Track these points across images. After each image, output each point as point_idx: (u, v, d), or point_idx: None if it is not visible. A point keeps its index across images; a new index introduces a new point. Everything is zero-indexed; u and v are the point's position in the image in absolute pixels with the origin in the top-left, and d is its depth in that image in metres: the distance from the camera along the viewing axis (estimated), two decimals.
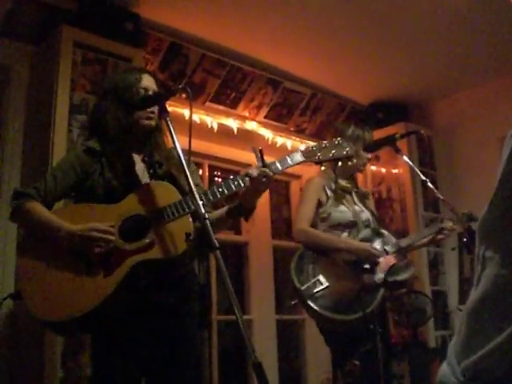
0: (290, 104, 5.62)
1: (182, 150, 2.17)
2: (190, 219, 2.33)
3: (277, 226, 5.87)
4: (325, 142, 2.51)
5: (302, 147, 2.48)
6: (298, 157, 2.46)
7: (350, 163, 3.30)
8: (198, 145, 4.43)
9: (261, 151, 2.41)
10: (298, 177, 6.08)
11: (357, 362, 3.16)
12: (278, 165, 2.43)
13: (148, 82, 2.57)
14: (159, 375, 2.40)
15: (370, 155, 3.56)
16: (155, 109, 2.51)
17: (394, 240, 3.37)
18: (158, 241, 2.27)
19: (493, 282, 0.86)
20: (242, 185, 2.42)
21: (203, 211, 2.00)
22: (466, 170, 5.75)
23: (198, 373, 2.53)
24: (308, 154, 2.46)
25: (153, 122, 2.54)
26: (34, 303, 2.26)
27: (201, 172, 5.38)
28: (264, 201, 5.65)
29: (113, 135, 2.47)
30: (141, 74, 2.59)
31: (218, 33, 4.73)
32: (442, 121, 6.11)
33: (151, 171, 2.55)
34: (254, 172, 2.36)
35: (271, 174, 2.37)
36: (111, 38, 4.03)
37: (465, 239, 3.35)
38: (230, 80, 5.10)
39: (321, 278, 3.16)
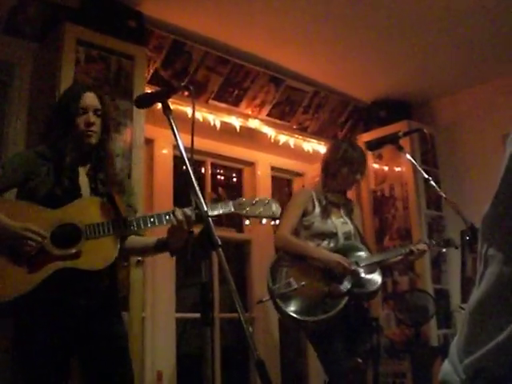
0: (293, 102, 5.61)
1: (185, 148, 2.17)
2: (116, 243, 2.54)
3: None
4: (256, 198, 2.71)
5: (237, 200, 2.66)
6: (230, 207, 2.63)
7: (340, 181, 3.70)
8: (201, 143, 4.44)
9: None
10: (300, 174, 6.09)
11: (360, 360, 3.25)
12: (209, 211, 2.45)
13: (88, 101, 2.66)
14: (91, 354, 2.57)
15: (357, 176, 3.71)
16: (96, 127, 2.65)
17: (367, 254, 3.59)
18: (85, 252, 2.45)
19: (495, 280, 0.86)
20: (171, 221, 2.54)
21: (205, 209, 2.00)
22: (468, 168, 5.74)
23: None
24: (237, 207, 2.64)
25: (92, 140, 2.65)
26: None
27: (203, 170, 5.39)
28: None
29: (58, 149, 2.60)
30: (81, 93, 2.68)
31: (221, 30, 4.73)
32: (444, 119, 6.09)
33: (93, 186, 2.67)
34: (186, 213, 2.50)
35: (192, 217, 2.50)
36: (114, 36, 4.03)
37: (467, 238, 3.35)
38: (232, 78, 5.09)
39: (291, 280, 3.42)
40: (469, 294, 0.93)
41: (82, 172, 2.68)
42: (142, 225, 2.54)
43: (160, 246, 2.67)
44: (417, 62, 5.27)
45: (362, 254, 3.59)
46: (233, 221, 5.49)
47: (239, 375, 5.23)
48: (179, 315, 4.81)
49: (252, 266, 5.46)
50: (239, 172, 5.82)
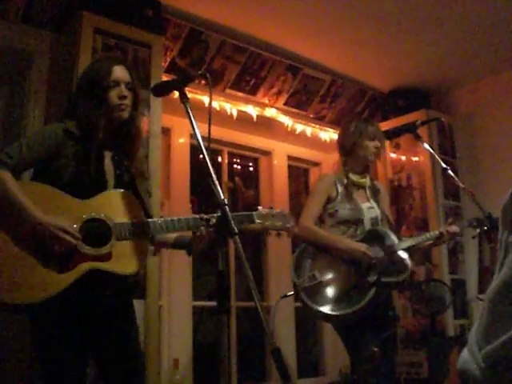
0: (310, 91, 5.59)
1: (202, 137, 2.17)
2: (147, 246, 2.48)
3: (295, 213, 5.84)
4: (275, 211, 2.74)
5: (259, 211, 2.69)
6: (253, 219, 2.67)
7: (359, 155, 3.50)
8: (218, 132, 4.44)
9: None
10: (317, 164, 6.07)
11: (376, 349, 3.19)
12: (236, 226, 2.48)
13: (120, 74, 2.55)
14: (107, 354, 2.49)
15: (376, 144, 3.54)
16: (129, 100, 2.54)
17: (395, 241, 3.40)
18: (115, 253, 2.35)
19: None
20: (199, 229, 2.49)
21: (222, 197, 2.00)
22: (487, 158, 5.69)
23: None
24: (261, 219, 2.68)
25: (125, 114, 2.54)
26: None
27: (220, 159, 5.39)
28: (283, 188, 5.66)
29: (84, 130, 2.47)
30: (111, 65, 2.56)
31: (238, 19, 4.71)
32: (463, 108, 6.04)
33: (118, 172, 2.56)
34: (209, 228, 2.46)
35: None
36: (131, 25, 4.03)
37: (485, 227, 3.33)
38: (249, 66, 5.08)
39: (316, 273, 3.30)
40: (486, 283, 0.92)
41: (107, 156, 2.56)
42: (170, 228, 2.46)
43: (178, 245, 2.64)
44: (435, 51, 5.22)
45: (390, 240, 3.39)
46: (249, 209, 5.48)
47: (255, 363, 5.25)
48: (196, 303, 4.83)
49: (268, 254, 5.47)
50: (256, 161, 5.82)
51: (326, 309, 3.21)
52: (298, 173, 6.15)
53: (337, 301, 3.22)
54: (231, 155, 5.59)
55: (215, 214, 2.41)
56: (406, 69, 5.58)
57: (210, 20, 4.66)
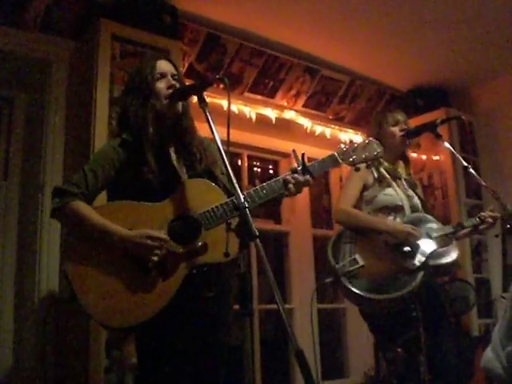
0: (329, 92, 5.58)
1: (221, 141, 2.17)
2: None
3: (317, 216, 5.85)
4: (356, 142, 2.54)
5: (339, 149, 2.49)
6: (336, 159, 2.49)
7: (388, 143, 3.31)
8: (237, 135, 4.42)
9: (303, 156, 2.43)
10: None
11: (399, 350, 3.12)
12: (318, 169, 2.48)
13: (164, 67, 2.54)
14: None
15: (402, 127, 3.44)
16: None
17: (439, 226, 3.29)
18: (211, 244, 2.28)
19: None
20: (284, 189, 2.40)
21: (242, 200, 2.00)
22: (508, 156, 5.65)
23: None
24: (344, 156, 2.49)
25: (178, 107, 2.50)
26: (94, 310, 2.22)
27: (240, 162, 5.40)
28: (304, 190, 5.64)
29: (137, 130, 2.43)
30: (156, 59, 2.56)
31: (255, 22, 4.72)
32: (483, 106, 6.00)
33: (188, 164, 2.51)
34: (298, 178, 2.40)
35: (311, 180, 2.42)
36: (149, 31, 4.06)
37: (508, 226, 3.29)
38: (267, 69, 5.09)
39: (357, 256, 3.13)
40: (510, 282, 0.91)
41: (172, 151, 2.51)
42: (256, 200, 2.32)
43: (262, 205, 2.46)
44: (454, 49, 5.19)
45: (433, 225, 3.29)
46: (270, 212, 5.51)
47: (279, 366, 5.24)
48: None
49: (290, 257, 5.46)
50: (275, 164, 5.82)
51: (369, 293, 3.03)
52: (319, 174, 6.13)
53: (382, 285, 3.05)
54: (251, 158, 5.60)
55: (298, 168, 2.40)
56: (424, 68, 5.55)
57: (226, 24, 4.67)
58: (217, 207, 2.29)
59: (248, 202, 2.17)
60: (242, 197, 2.01)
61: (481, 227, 3.33)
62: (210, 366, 2.47)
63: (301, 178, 2.41)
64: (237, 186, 2.05)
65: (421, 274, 3.06)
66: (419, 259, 3.10)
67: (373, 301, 3.03)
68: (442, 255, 3.17)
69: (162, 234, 2.24)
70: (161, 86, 2.48)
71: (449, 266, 3.21)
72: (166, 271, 2.24)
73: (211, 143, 2.55)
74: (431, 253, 3.14)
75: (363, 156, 2.49)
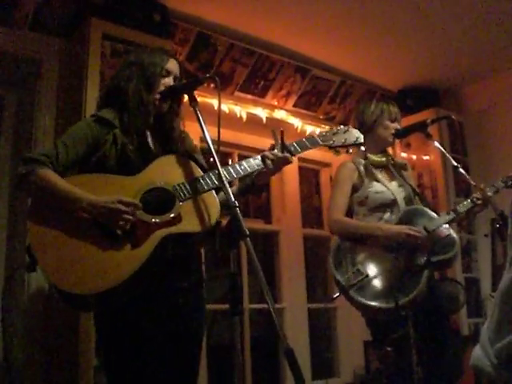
0: (319, 92, 5.59)
1: (212, 140, 2.18)
2: (216, 197, 2.35)
3: (307, 215, 5.86)
4: (336, 127, 2.63)
5: (317, 131, 2.57)
6: (317, 140, 2.57)
7: (379, 134, 3.37)
8: (227, 134, 4.44)
9: (282, 133, 2.47)
10: (328, 165, 6.05)
11: (389, 349, 3.10)
12: (298, 148, 2.53)
13: (172, 66, 2.55)
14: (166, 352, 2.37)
15: (396, 126, 3.42)
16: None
17: (434, 216, 3.22)
18: (184, 215, 2.24)
19: None
20: (262, 165, 2.45)
21: (233, 199, 2.00)
22: (498, 156, 5.67)
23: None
24: (324, 138, 2.59)
25: (165, 106, 2.53)
26: (56, 276, 2.13)
27: (230, 162, 5.39)
28: (294, 190, 5.65)
29: (130, 106, 2.42)
30: (167, 56, 2.58)
31: (246, 22, 4.72)
32: (473, 106, 6.03)
33: (164, 145, 2.51)
34: (276, 155, 2.44)
35: (291, 158, 2.47)
36: (139, 30, 4.05)
37: (497, 225, 3.31)
38: (258, 69, 5.09)
39: (360, 267, 3.08)
40: (499, 282, 0.92)
41: (150, 136, 2.51)
42: (233, 174, 2.37)
43: (246, 189, 2.60)
44: (444, 49, 5.21)
45: (428, 216, 3.21)
46: (260, 211, 5.51)
47: (269, 365, 5.24)
48: (209, 306, 4.82)
49: (280, 256, 5.46)
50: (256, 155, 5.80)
51: (379, 303, 2.98)
52: (309, 174, 6.14)
53: (390, 292, 2.97)
54: (241, 158, 5.59)
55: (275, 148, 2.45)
56: (415, 68, 5.57)
57: (217, 23, 4.67)
58: (193, 180, 2.30)
59: (226, 178, 2.25)
60: (232, 196, 2.02)
61: (474, 210, 3.28)
62: (180, 357, 2.42)
63: (279, 154, 2.45)
64: (227, 186, 2.06)
65: (426, 274, 3.02)
66: (421, 259, 3.06)
67: (384, 309, 2.97)
68: (442, 249, 3.11)
69: (134, 201, 2.20)
70: (162, 82, 2.50)
71: (450, 260, 3.15)
72: (135, 240, 2.16)
73: (192, 141, 2.65)
74: (431, 249, 3.09)
75: (342, 140, 2.59)
